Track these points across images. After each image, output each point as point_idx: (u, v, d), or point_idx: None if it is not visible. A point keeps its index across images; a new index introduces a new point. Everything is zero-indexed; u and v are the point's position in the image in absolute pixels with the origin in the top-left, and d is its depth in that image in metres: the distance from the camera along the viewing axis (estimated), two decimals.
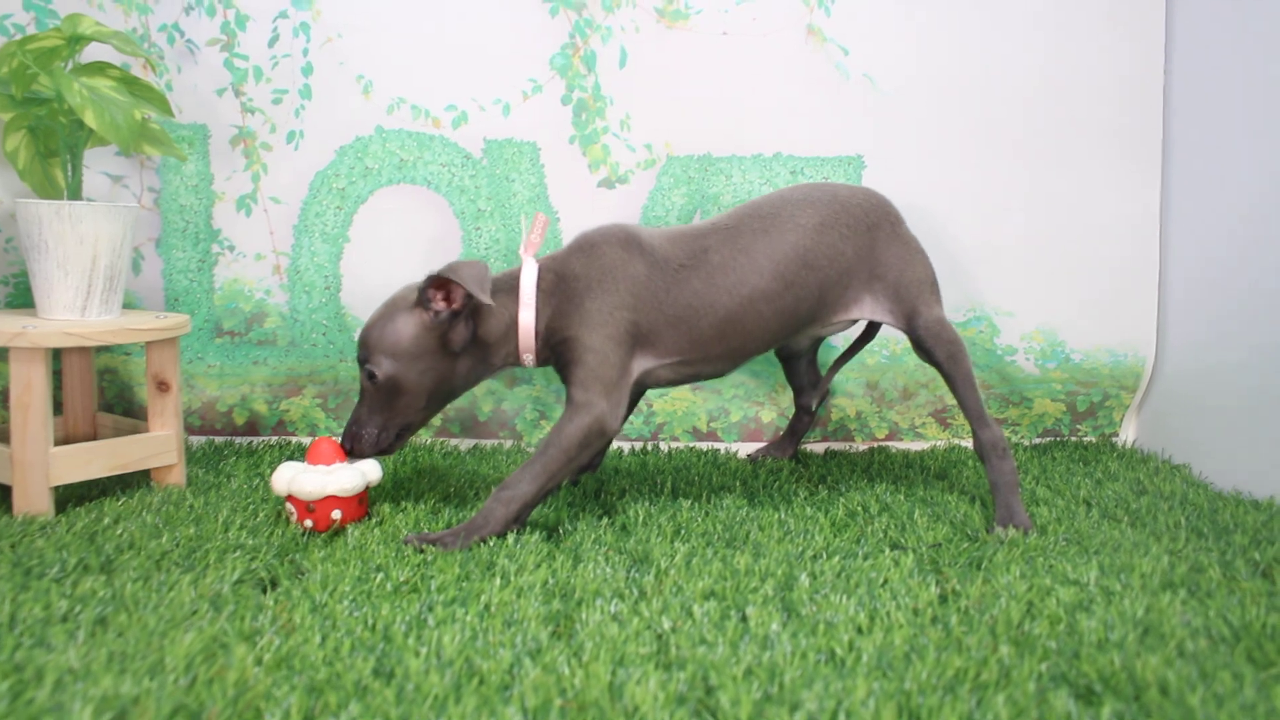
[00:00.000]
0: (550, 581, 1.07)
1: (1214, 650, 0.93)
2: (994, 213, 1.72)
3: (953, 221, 1.71)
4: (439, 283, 1.26)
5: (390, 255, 1.63)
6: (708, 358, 1.35)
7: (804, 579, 1.08)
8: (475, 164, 1.64)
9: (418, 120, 1.63)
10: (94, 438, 1.53)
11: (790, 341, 1.58)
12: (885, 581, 1.09)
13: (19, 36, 1.47)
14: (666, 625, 0.96)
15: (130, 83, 1.38)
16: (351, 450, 1.31)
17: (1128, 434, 1.82)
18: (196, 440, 1.69)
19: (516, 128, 1.64)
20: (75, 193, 1.39)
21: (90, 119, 1.28)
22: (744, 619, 0.98)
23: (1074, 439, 1.82)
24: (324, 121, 1.61)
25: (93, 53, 1.51)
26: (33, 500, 1.28)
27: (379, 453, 1.32)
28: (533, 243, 1.34)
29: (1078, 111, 1.72)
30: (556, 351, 1.31)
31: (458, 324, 1.28)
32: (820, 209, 1.39)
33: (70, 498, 1.37)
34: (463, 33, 1.62)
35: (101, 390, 1.64)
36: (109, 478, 1.47)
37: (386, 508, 1.34)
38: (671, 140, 1.67)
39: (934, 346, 1.39)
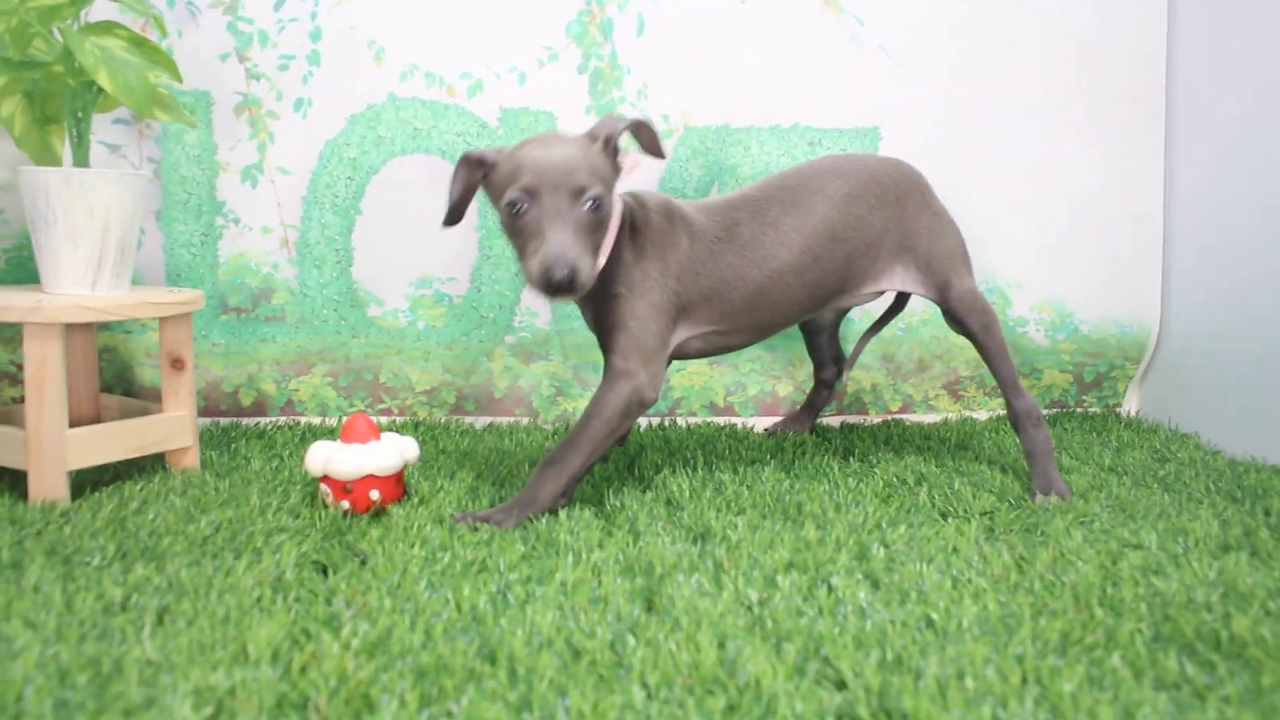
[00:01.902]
0: (621, 557, 1.05)
1: None
2: (1004, 184, 1.73)
3: (965, 193, 1.70)
4: (637, 127, 1.22)
5: (404, 227, 1.57)
6: (737, 329, 1.34)
7: (877, 549, 1.07)
8: (491, 133, 1.59)
9: (432, 88, 1.57)
10: (98, 420, 1.45)
11: (815, 314, 1.57)
12: (956, 549, 1.09)
13: None
14: (753, 597, 0.94)
15: (140, 44, 1.31)
16: (574, 282, 1.09)
17: (1130, 404, 1.85)
18: (202, 422, 1.62)
19: (532, 97, 1.60)
20: (82, 160, 1.31)
21: (104, 80, 1.21)
22: (830, 589, 0.97)
23: (1079, 410, 1.85)
24: (334, 89, 1.55)
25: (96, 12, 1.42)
26: (50, 486, 1.21)
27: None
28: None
29: (1084, 84, 1.73)
30: (597, 305, 1.26)
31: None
32: (849, 180, 1.38)
33: (84, 483, 1.30)
34: None
35: (100, 370, 1.56)
36: (120, 462, 1.40)
37: (425, 486, 1.30)
38: (689, 110, 1.64)
39: (967, 317, 1.39)
